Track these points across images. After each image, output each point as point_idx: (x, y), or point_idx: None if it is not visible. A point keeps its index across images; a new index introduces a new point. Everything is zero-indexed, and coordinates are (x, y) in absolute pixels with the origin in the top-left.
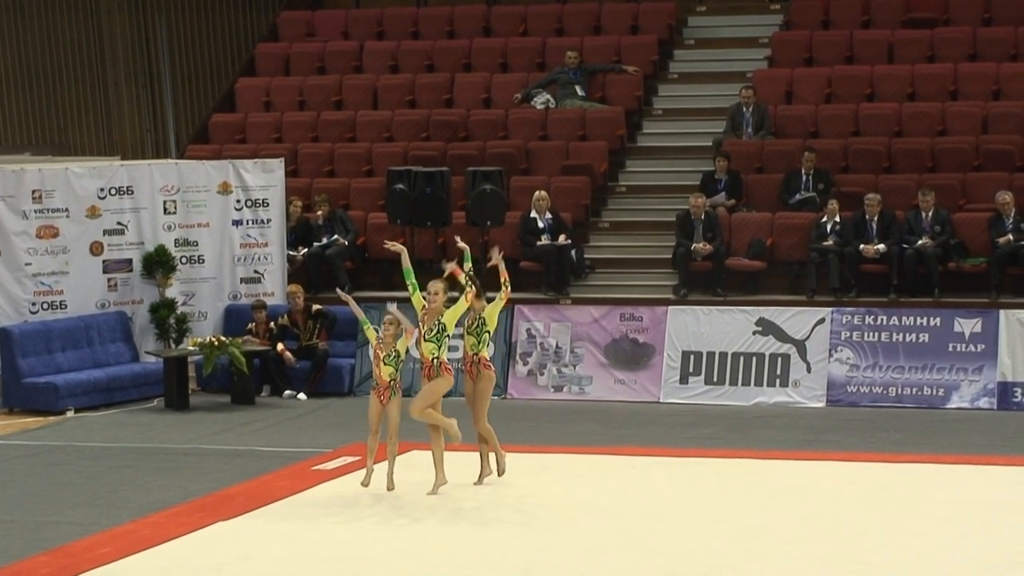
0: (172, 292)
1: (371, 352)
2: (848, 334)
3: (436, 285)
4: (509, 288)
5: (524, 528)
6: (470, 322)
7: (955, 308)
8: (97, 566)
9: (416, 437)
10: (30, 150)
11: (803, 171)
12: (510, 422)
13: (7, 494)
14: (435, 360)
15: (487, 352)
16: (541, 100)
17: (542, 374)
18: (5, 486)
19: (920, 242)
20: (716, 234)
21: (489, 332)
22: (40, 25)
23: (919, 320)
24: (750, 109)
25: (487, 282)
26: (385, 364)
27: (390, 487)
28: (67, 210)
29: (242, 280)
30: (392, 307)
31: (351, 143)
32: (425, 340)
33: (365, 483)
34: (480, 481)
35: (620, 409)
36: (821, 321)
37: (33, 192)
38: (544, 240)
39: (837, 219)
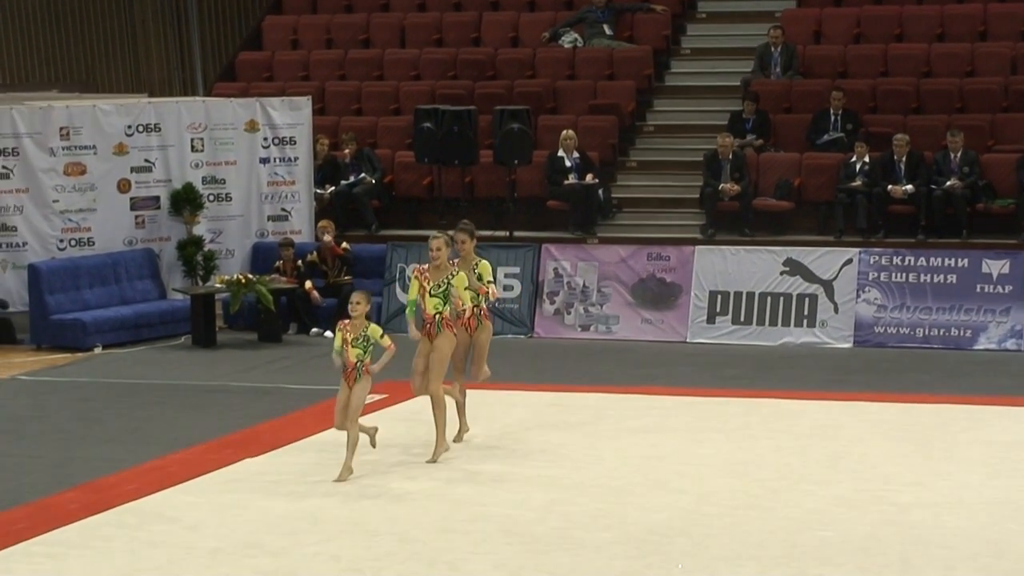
0: (199, 230)
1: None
2: (876, 275)
3: (438, 241)
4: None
5: (549, 467)
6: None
7: (983, 249)
8: (125, 502)
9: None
10: (58, 87)
11: (831, 111)
12: (536, 361)
13: (35, 430)
14: (438, 316)
15: (485, 304)
16: (569, 39)
17: (569, 313)
18: (33, 422)
19: (948, 183)
20: (743, 174)
21: (491, 282)
22: None
23: (947, 261)
24: (778, 49)
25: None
26: (353, 347)
27: (344, 477)
28: (95, 147)
29: (269, 218)
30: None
31: (378, 81)
32: (430, 295)
33: (342, 478)
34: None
35: (646, 349)
36: (849, 262)
37: (61, 129)
38: (571, 179)
39: (866, 159)
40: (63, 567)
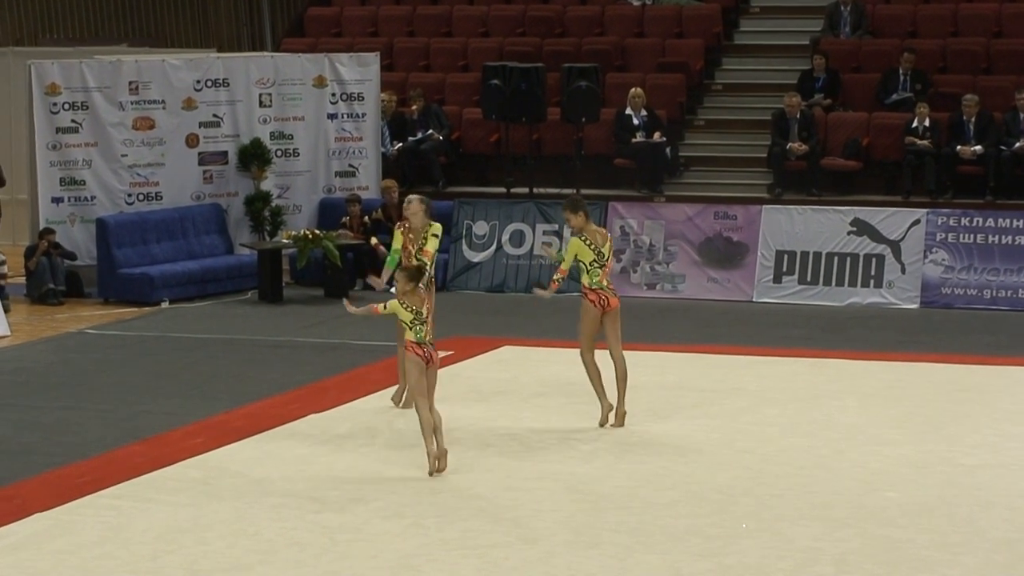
0: (267, 185)
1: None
2: (943, 235)
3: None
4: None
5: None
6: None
7: None
8: (190, 456)
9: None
10: (127, 42)
11: (901, 71)
12: None
13: (102, 383)
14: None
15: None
16: None
17: (635, 271)
18: (100, 375)
19: (1018, 144)
20: (811, 133)
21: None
22: None
23: (1015, 222)
24: (848, 8)
25: None
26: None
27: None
28: (163, 102)
29: (337, 174)
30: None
31: (447, 38)
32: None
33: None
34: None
35: (713, 308)
36: (916, 222)
37: (130, 84)
38: (639, 137)
39: (927, 122)
40: (128, 520)
